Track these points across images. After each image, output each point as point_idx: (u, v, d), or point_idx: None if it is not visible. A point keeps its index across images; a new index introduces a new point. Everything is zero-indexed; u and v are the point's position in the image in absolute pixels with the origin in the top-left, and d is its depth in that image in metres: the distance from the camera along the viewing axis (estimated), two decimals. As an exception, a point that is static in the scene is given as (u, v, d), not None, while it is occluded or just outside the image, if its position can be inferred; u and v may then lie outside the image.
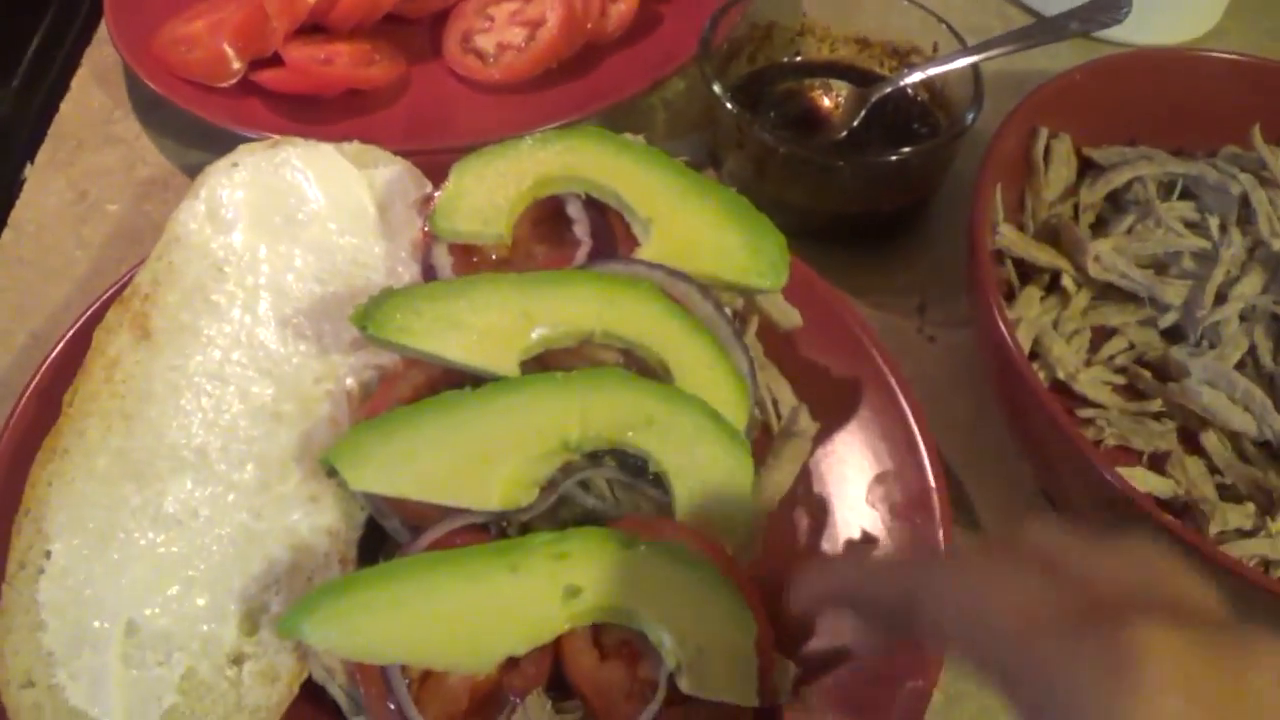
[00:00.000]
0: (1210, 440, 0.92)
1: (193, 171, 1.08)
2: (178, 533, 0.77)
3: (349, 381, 0.82)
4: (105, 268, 1.06)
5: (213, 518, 0.78)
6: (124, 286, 0.89)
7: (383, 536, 0.77)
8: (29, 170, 1.14)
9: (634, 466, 0.76)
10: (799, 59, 1.16)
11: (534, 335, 0.77)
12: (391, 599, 0.68)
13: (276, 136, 0.99)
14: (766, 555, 0.79)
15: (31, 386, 0.87)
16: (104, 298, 0.91)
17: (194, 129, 1.11)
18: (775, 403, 0.86)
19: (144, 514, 0.78)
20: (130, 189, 1.12)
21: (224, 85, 1.12)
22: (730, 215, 0.84)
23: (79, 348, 0.86)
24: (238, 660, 0.74)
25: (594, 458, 0.75)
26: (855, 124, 1.06)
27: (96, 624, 0.75)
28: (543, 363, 0.78)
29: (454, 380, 0.76)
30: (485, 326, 0.76)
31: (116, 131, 1.17)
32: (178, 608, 0.75)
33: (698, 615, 0.70)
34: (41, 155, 1.16)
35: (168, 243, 0.89)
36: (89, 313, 0.91)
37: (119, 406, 0.82)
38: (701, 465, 0.74)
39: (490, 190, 0.84)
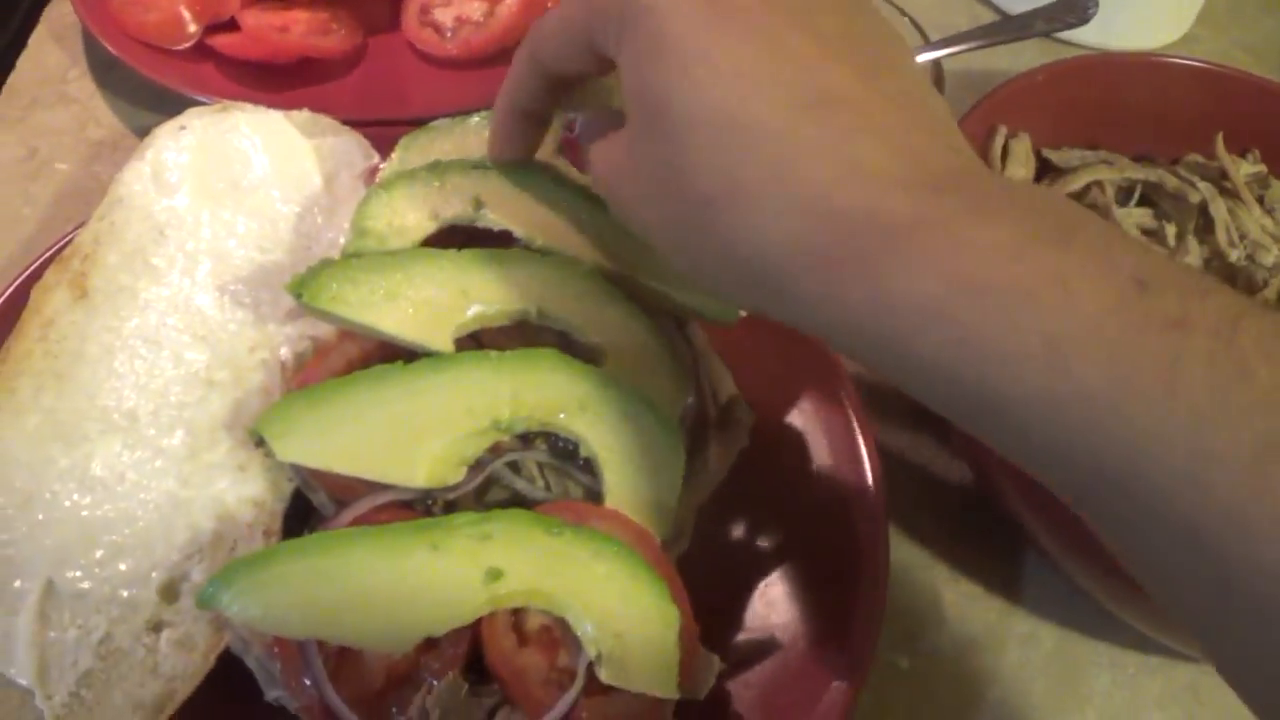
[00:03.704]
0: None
1: (144, 134, 1.05)
2: (104, 496, 0.76)
3: (284, 351, 0.81)
4: (52, 225, 1.05)
5: (140, 483, 0.77)
6: (65, 246, 0.88)
7: (309, 509, 0.76)
8: (-22, 126, 1.13)
9: (565, 451, 0.75)
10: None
11: (470, 312, 0.76)
12: (310, 573, 0.67)
13: (227, 101, 0.98)
14: (696, 548, 0.78)
15: (-36, 343, 0.86)
16: (44, 257, 0.90)
17: (148, 91, 1.10)
18: (714, 393, 0.85)
19: (71, 476, 0.77)
20: (81, 149, 1.11)
21: (179, 48, 1.11)
22: None
23: (16, 306, 0.85)
24: (156, 628, 0.74)
25: (525, 439, 0.75)
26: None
27: (16, 584, 0.74)
28: (478, 341, 0.77)
29: (388, 354, 0.75)
30: (422, 301, 0.75)
31: (71, 91, 1.16)
32: (100, 572, 0.74)
33: (620, 605, 0.69)
34: (-8, 111, 1.14)
35: (110, 203, 0.88)
36: (28, 271, 0.90)
37: (52, 366, 0.81)
38: (633, 452, 0.74)
39: None
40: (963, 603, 0.90)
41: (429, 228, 0.79)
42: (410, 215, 0.79)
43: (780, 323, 0.55)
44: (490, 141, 0.79)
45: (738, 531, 0.86)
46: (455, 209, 0.80)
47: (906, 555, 0.91)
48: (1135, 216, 1.01)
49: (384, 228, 0.79)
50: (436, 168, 0.81)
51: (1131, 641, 0.89)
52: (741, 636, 0.81)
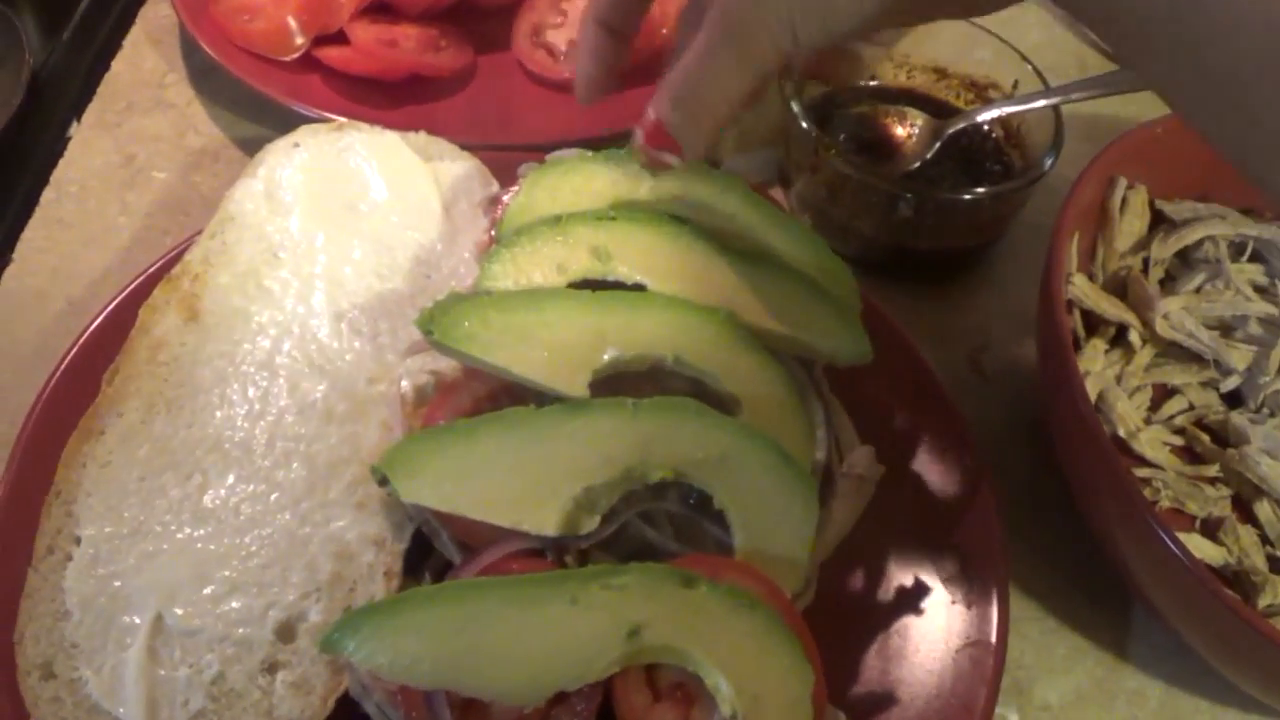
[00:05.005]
0: (1264, 510, 0.90)
1: (245, 145, 1.06)
2: (217, 530, 0.74)
3: (404, 385, 0.78)
4: (148, 237, 1.02)
5: (254, 517, 0.75)
6: (171, 263, 0.86)
7: (428, 549, 0.74)
8: (75, 129, 1.11)
9: (697, 502, 0.73)
10: (874, 83, 1.13)
11: (606, 357, 0.74)
12: (442, 622, 0.65)
13: (334, 117, 0.96)
14: (818, 601, 0.76)
15: (68, 359, 0.85)
16: (149, 272, 0.88)
17: (249, 101, 1.08)
18: (838, 440, 0.83)
19: (182, 507, 0.75)
20: (179, 157, 1.09)
21: (284, 59, 1.09)
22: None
23: (118, 322, 0.84)
24: (271, 669, 0.71)
25: (658, 490, 0.73)
26: (928, 156, 1.03)
27: (124, 619, 0.72)
28: (610, 385, 0.75)
29: (516, 395, 0.73)
30: (556, 343, 0.73)
31: (168, 96, 1.14)
32: (212, 608, 0.72)
33: (756, 662, 0.67)
34: (89, 114, 1.12)
35: (222, 221, 0.86)
36: (132, 286, 0.88)
37: (161, 390, 0.80)
38: (768, 505, 0.72)
39: None
40: (1072, 656, 0.88)
41: (557, 284, 0.77)
42: (536, 274, 0.77)
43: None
44: (578, 59, 0.86)
45: (856, 583, 0.84)
46: (582, 263, 0.78)
47: (1017, 607, 0.89)
48: (1248, 272, 0.99)
49: (510, 289, 0.77)
50: (558, 221, 0.78)
51: (1233, 700, 0.88)
52: (860, 690, 0.80)
